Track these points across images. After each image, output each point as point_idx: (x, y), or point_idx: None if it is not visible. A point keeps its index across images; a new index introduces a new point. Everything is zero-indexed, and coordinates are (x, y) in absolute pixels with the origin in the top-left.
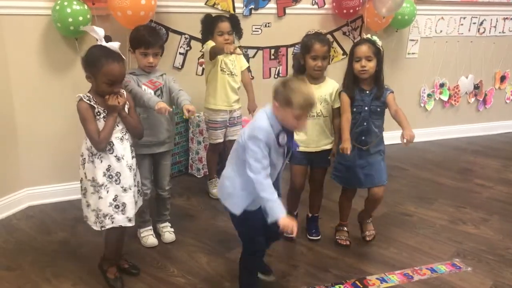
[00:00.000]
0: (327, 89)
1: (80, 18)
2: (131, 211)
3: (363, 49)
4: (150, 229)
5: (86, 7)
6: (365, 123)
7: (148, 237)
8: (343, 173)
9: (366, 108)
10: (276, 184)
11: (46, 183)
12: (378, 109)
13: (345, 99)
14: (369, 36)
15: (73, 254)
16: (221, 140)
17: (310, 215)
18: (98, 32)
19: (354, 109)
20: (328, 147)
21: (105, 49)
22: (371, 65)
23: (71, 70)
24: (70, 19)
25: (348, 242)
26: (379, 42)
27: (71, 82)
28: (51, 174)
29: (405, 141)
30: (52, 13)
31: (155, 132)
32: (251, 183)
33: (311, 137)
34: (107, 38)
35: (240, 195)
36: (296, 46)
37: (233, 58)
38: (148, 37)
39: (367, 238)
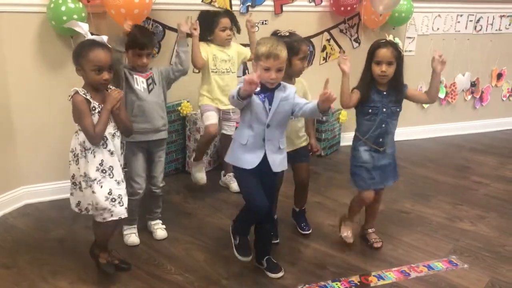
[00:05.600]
0: (301, 88)
1: (75, 16)
2: (126, 202)
3: (386, 53)
4: (135, 227)
5: (81, 5)
6: (383, 125)
7: (130, 235)
8: (364, 175)
9: (384, 109)
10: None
11: (42, 181)
12: (398, 109)
13: (355, 97)
14: (391, 38)
15: (70, 252)
16: (215, 122)
17: (297, 209)
18: (83, 27)
19: (370, 110)
20: (305, 143)
21: (90, 40)
22: (391, 70)
23: (67, 68)
24: (65, 17)
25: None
26: (400, 45)
27: (67, 80)
28: (48, 172)
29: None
30: (47, 11)
31: (150, 119)
32: (243, 135)
33: (287, 138)
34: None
35: (234, 147)
36: None
37: (231, 52)
38: (143, 38)
39: (375, 245)
